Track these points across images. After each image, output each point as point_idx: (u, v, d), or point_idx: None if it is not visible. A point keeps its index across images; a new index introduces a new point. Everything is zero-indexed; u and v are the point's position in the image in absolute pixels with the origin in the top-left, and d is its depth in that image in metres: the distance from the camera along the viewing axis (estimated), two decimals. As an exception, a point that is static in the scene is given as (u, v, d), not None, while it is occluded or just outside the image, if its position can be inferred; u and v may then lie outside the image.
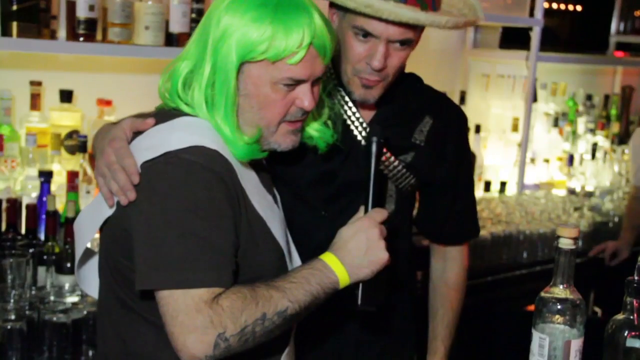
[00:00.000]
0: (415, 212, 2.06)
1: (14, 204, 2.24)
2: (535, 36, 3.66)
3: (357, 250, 1.52)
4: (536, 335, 1.53)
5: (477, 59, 3.87)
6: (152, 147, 1.46)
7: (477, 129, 3.61)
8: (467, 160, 2.09)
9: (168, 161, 1.43)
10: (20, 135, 2.48)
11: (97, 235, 1.62)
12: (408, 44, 1.73)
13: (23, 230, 2.27)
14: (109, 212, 1.50)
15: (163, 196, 1.41)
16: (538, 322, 1.53)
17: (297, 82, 1.50)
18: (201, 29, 1.52)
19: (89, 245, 1.62)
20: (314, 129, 1.65)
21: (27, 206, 2.26)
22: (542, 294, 1.54)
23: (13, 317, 2.00)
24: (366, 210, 1.61)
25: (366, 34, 1.69)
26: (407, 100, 1.88)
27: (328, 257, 1.52)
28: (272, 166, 1.71)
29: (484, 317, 2.86)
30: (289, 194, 1.75)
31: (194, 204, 1.40)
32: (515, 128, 3.78)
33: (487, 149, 3.77)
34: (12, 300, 2.02)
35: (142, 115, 1.59)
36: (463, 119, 2.01)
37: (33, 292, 2.11)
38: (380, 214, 1.58)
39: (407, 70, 1.88)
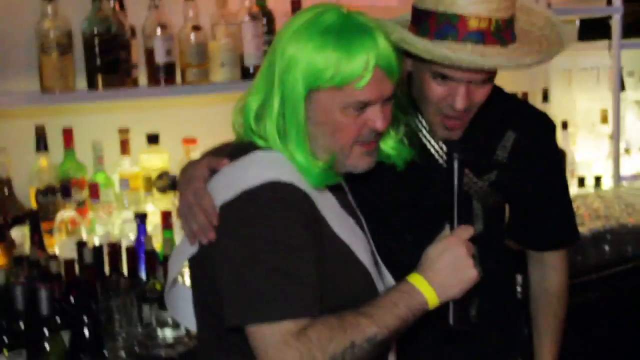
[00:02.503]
0: (506, 220, 2.00)
1: (115, 248, 2.33)
2: (615, 24, 3.54)
3: (445, 269, 1.49)
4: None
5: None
6: (228, 186, 1.48)
7: (564, 125, 3.51)
8: (557, 168, 2.01)
9: (245, 199, 1.45)
10: (113, 180, 2.58)
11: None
12: (491, 80, 1.68)
13: (125, 272, 2.35)
14: (192, 249, 1.53)
15: (243, 234, 1.43)
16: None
17: (367, 104, 1.49)
18: (267, 61, 1.53)
19: (182, 281, 1.66)
20: (391, 147, 1.63)
21: (127, 248, 2.34)
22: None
23: (123, 354, 2.07)
24: (452, 229, 1.57)
25: (445, 77, 1.65)
26: (487, 116, 1.81)
27: (415, 278, 1.49)
28: (354, 189, 1.70)
29: (590, 318, 2.77)
30: (372, 218, 1.73)
31: (274, 238, 1.41)
32: (604, 120, 3.66)
33: (577, 145, 3.66)
34: (120, 339, 2.09)
35: (220, 149, 1.63)
36: (549, 127, 1.92)
37: (139, 330, 2.18)
38: (467, 231, 1.55)
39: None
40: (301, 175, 1.49)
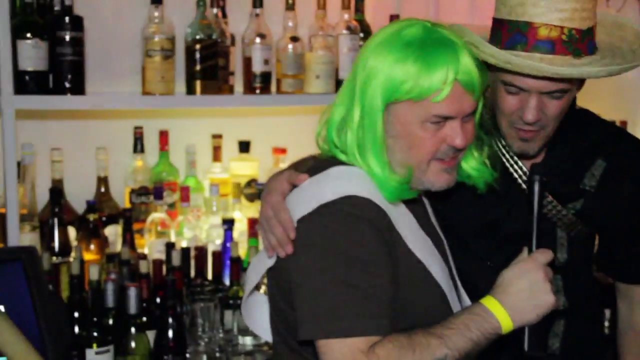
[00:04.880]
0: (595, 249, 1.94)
1: (201, 252, 2.38)
2: None
3: (520, 293, 1.47)
4: None
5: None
6: (306, 200, 1.49)
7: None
8: None
9: (322, 214, 1.46)
10: (204, 185, 2.63)
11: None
12: (564, 93, 1.63)
13: (210, 276, 2.39)
14: (270, 262, 1.55)
15: (319, 249, 1.44)
16: None
17: (445, 119, 1.48)
18: (351, 74, 1.55)
19: (261, 291, 1.68)
20: (473, 168, 1.61)
21: (213, 253, 2.38)
22: None
23: (205, 358, 2.11)
24: (530, 252, 1.54)
25: (516, 87, 1.62)
26: (576, 142, 1.76)
27: (489, 301, 1.47)
28: (435, 208, 1.69)
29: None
30: (452, 239, 1.71)
31: (349, 254, 1.42)
32: None
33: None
34: (202, 343, 2.13)
35: (303, 162, 1.64)
36: None
37: (221, 335, 2.21)
38: (545, 255, 1.51)
39: (578, 97, 1.77)
40: (379, 191, 1.49)
